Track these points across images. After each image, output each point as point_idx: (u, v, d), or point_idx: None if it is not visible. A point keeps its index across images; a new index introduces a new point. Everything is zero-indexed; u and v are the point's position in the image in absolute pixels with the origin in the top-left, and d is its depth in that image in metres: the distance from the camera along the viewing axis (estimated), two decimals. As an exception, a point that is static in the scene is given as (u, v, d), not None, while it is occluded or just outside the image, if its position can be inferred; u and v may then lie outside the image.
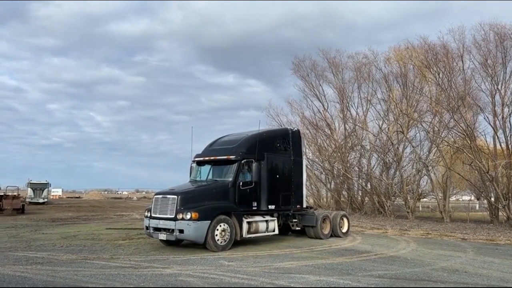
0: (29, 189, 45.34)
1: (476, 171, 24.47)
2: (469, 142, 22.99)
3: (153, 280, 7.56)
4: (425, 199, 36.14)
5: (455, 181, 29.55)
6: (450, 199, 29.01)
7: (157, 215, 11.53)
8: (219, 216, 11.28)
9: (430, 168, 28.04)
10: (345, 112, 32.41)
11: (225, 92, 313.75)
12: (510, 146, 22.91)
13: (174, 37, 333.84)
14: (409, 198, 28.42)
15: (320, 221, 14.32)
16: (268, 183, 12.99)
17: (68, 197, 76.32)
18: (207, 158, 13.33)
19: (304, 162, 15.30)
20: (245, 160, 12.40)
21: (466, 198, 41.05)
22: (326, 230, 14.69)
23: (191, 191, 12.05)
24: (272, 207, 13.17)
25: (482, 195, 26.05)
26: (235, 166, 12.33)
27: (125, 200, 75.16)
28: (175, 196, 11.25)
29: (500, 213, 23.48)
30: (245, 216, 12.13)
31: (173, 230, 10.99)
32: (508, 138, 23.02)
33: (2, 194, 28.55)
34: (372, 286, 7.41)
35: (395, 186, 28.98)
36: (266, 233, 12.85)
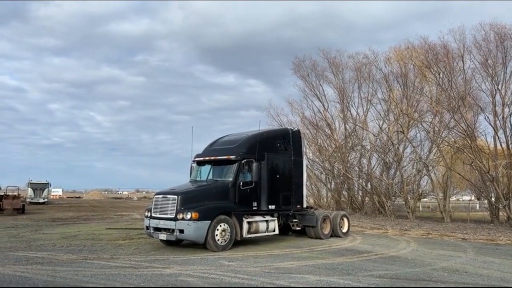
0: (29, 189, 45.34)
1: (476, 171, 24.46)
2: (469, 142, 22.98)
3: (153, 280, 7.55)
4: (425, 199, 36.16)
5: (456, 181, 29.49)
6: (450, 199, 28.99)
7: (158, 215, 11.53)
8: (219, 216, 11.28)
9: (430, 168, 28.03)
10: (346, 112, 32.42)
11: (225, 92, 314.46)
12: (510, 146, 22.90)
13: (175, 37, 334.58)
14: (409, 198, 28.42)
15: (320, 221, 14.31)
16: (269, 183, 12.98)
17: (68, 197, 76.40)
18: (207, 158, 13.33)
19: (305, 162, 15.30)
20: (245, 160, 12.39)
21: (467, 198, 40.93)
22: (327, 230, 14.69)
23: (191, 191, 12.04)
24: (272, 207, 13.16)
25: (483, 195, 26.03)
26: (235, 166, 12.32)
27: (126, 200, 75.16)
28: (176, 196, 11.24)
29: (500, 213, 23.48)
30: (245, 216, 12.12)
31: (173, 230, 10.98)
32: (509, 138, 23.03)
33: (3, 194, 28.55)
34: (373, 286, 7.41)
35: (396, 186, 28.96)
36: (266, 233, 12.84)
